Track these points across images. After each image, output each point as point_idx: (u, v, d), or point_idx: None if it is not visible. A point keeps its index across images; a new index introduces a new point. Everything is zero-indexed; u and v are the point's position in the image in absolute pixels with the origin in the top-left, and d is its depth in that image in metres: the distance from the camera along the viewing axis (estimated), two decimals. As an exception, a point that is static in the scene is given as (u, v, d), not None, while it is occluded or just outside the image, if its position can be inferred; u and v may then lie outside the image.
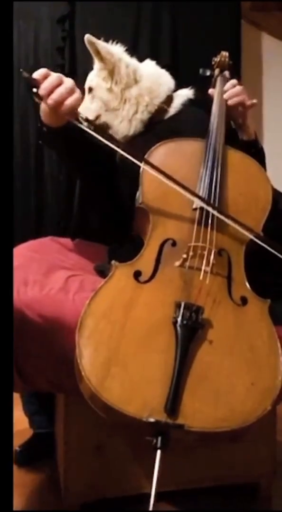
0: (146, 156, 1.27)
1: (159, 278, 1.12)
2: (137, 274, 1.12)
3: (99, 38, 1.52)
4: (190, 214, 1.20)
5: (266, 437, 1.42)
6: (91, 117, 1.51)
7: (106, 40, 1.56)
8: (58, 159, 2.38)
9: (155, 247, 1.17)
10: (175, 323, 1.02)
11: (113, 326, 1.03)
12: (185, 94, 1.58)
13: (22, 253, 1.39)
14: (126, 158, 1.49)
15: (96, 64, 1.54)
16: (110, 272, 1.12)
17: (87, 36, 1.48)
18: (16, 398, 1.63)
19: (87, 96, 1.55)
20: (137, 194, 1.29)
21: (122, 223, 1.50)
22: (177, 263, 1.13)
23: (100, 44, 1.50)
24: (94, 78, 1.55)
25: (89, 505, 1.34)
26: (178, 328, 1.01)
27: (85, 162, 1.53)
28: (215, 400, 0.98)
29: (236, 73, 2.83)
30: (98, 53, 1.50)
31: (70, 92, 1.17)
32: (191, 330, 1.02)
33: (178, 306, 1.04)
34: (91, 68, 1.59)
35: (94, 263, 1.50)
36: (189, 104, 1.56)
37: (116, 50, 1.53)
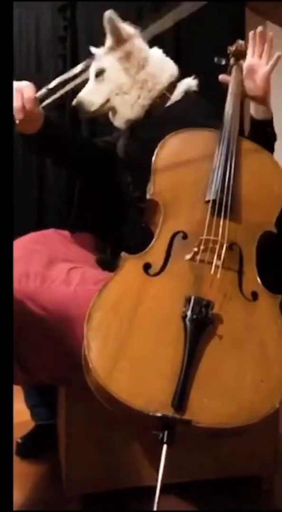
0: (158, 146, 1.25)
1: (168, 271, 1.10)
2: (147, 267, 1.11)
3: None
4: (202, 207, 1.18)
5: (268, 430, 1.41)
6: (100, 101, 1.49)
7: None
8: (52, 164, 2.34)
9: (165, 239, 1.15)
10: (184, 317, 1.01)
11: (122, 319, 1.02)
12: (188, 82, 1.54)
13: (24, 245, 1.38)
14: (132, 150, 1.48)
15: (110, 44, 1.48)
16: (119, 264, 1.11)
17: (109, 13, 1.43)
18: (18, 390, 1.62)
19: (94, 80, 1.50)
20: (149, 185, 1.28)
21: (121, 216, 1.49)
22: (188, 256, 1.11)
23: (121, 23, 1.45)
24: (107, 59, 1.49)
25: (91, 497, 1.34)
26: (187, 323, 1.00)
27: (75, 162, 1.54)
28: (223, 396, 0.97)
29: None
30: (116, 32, 1.45)
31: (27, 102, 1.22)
32: (201, 325, 1.00)
33: (188, 300, 1.03)
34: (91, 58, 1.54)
35: (96, 255, 1.50)
36: (191, 93, 1.54)
37: (133, 32, 1.49)
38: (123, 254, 1.12)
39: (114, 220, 1.58)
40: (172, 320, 1.02)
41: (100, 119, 1.60)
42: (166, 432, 0.93)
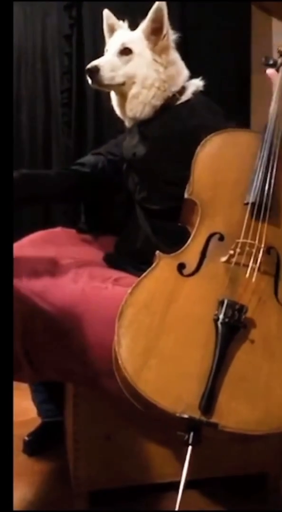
0: (199, 145, 1.24)
1: (203, 272, 1.10)
2: (181, 267, 1.10)
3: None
4: (241, 209, 1.16)
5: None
6: (119, 79, 1.42)
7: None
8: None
9: (201, 240, 1.14)
10: (216, 320, 1.00)
11: (153, 318, 1.02)
12: (196, 83, 1.51)
13: (32, 243, 1.40)
14: (139, 149, 1.43)
15: (146, 30, 1.43)
16: (154, 262, 1.11)
17: (162, 4, 1.39)
18: (25, 388, 1.65)
19: (117, 55, 1.43)
20: (187, 185, 1.27)
21: (128, 216, 1.49)
22: (223, 259, 1.10)
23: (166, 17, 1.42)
24: (138, 42, 1.43)
25: (98, 494, 1.35)
26: (219, 326, 0.99)
27: (61, 197, 1.58)
28: (252, 402, 0.96)
29: (246, 59, 2.74)
30: (160, 21, 1.41)
31: None
32: (232, 329, 0.99)
33: (221, 303, 1.02)
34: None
35: (103, 253, 1.50)
36: (198, 92, 1.50)
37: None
38: (158, 252, 1.12)
39: (121, 220, 1.57)
40: (203, 321, 1.02)
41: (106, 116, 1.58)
42: (191, 434, 0.92)
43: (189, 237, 1.17)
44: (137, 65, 1.43)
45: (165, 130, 1.41)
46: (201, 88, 1.52)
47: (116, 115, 1.55)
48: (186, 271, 1.10)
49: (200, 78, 1.53)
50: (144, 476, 1.35)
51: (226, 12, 2.68)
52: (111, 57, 1.43)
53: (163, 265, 1.10)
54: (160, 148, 1.40)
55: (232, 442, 1.08)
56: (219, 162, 1.24)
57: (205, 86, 1.52)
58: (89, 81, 1.41)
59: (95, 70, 1.39)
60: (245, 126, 1.36)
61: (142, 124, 1.46)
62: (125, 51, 1.43)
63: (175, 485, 1.18)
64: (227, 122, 1.42)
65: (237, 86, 2.74)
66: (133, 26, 1.50)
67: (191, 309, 1.04)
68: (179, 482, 1.29)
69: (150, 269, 1.10)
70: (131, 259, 1.41)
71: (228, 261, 1.09)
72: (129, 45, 1.43)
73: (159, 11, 1.40)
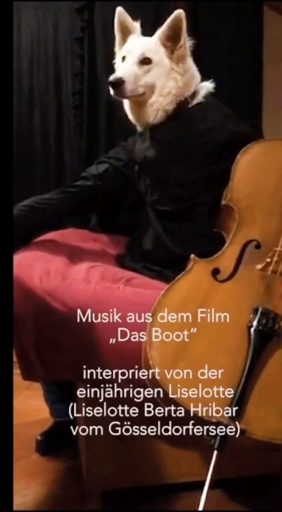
0: (240, 152, 1.24)
1: (237, 278, 1.10)
2: (215, 272, 1.10)
3: None
4: (279, 218, 1.16)
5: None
6: (140, 90, 1.40)
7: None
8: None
9: (238, 246, 1.14)
10: (249, 327, 1.00)
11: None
12: (207, 86, 1.49)
13: (44, 243, 1.41)
14: (150, 153, 1.42)
15: (162, 37, 1.41)
16: (188, 266, 1.11)
17: (181, 13, 1.38)
18: (37, 388, 1.65)
19: (138, 65, 1.40)
20: (225, 190, 1.27)
21: (140, 215, 1.49)
22: (259, 266, 1.10)
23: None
24: (156, 51, 1.41)
25: (111, 494, 1.34)
26: (252, 333, 0.99)
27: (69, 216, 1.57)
28: (281, 411, 0.95)
29: (257, 58, 2.69)
30: (179, 30, 1.39)
31: None
32: (266, 337, 0.99)
33: (255, 310, 1.02)
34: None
35: (115, 253, 1.49)
36: (208, 95, 1.48)
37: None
38: (192, 256, 1.13)
39: (131, 221, 1.57)
40: (236, 328, 1.02)
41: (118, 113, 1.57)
42: (218, 438, 0.92)
43: (223, 242, 1.18)
44: (157, 74, 1.41)
45: (176, 133, 1.40)
46: (211, 90, 1.49)
47: (127, 117, 1.53)
48: (221, 276, 1.10)
49: (211, 80, 1.51)
50: (157, 476, 1.34)
51: (238, 13, 2.65)
52: (132, 67, 1.40)
53: (197, 269, 1.11)
54: (170, 151, 1.40)
55: (257, 450, 1.07)
56: (259, 170, 1.24)
57: (216, 88, 1.50)
58: (111, 92, 1.39)
59: (120, 83, 1.37)
60: (257, 127, 1.33)
61: (153, 128, 1.45)
62: (145, 61, 1.40)
63: (188, 485, 1.17)
64: (238, 124, 1.41)
65: (249, 88, 2.72)
66: (144, 26, 1.49)
67: (224, 315, 1.04)
68: (192, 483, 1.29)
69: (183, 272, 1.11)
70: (143, 260, 1.41)
71: (264, 269, 1.09)
72: (149, 55, 1.40)
73: (177, 20, 1.39)
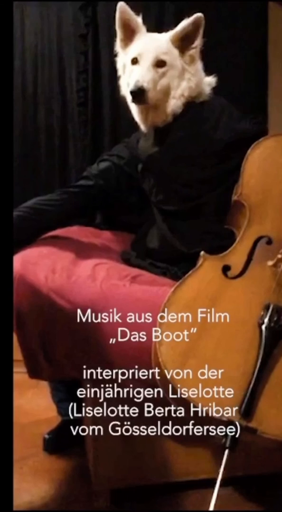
0: (250, 148, 1.22)
1: (248, 275, 1.08)
2: (226, 269, 1.09)
3: None
4: (291, 213, 1.14)
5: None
6: (158, 95, 1.36)
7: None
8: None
9: (249, 243, 1.13)
10: (261, 324, 0.99)
11: (195, 318, 1.01)
12: (210, 82, 1.46)
13: (50, 241, 1.40)
14: (155, 153, 1.40)
15: (175, 39, 1.37)
16: (198, 263, 1.10)
17: (202, 16, 1.35)
18: (44, 386, 1.65)
19: (154, 69, 1.36)
20: (236, 186, 1.25)
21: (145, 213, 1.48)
22: (270, 263, 1.08)
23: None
24: (170, 53, 1.37)
25: (119, 492, 1.33)
26: (264, 330, 0.98)
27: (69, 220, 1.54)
28: (293, 411, 0.94)
29: (262, 54, 2.66)
30: (196, 32, 1.37)
31: None
32: (277, 334, 0.98)
33: (267, 307, 1.00)
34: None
35: (121, 250, 1.49)
36: (213, 94, 1.46)
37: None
38: (203, 253, 1.11)
39: (136, 218, 1.57)
40: (247, 325, 1.00)
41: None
42: (229, 437, 0.91)
43: (232, 239, 1.16)
44: (172, 77, 1.38)
45: (181, 133, 1.38)
46: (214, 85, 1.46)
47: (132, 114, 1.49)
48: (231, 273, 1.09)
49: (213, 75, 1.47)
50: (164, 475, 1.33)
51: (242, 11, 2.62)
52: (149, 72, 1.35)
53: (207, 266, 1.09)
54: (175, 150, 1.39)
55: (268, 448, 1.05)
56: (270, 166, 1.22)
57: (221, 84, 1.47)
58: (130, 98, 1.35)
59: (142, 92, 1.32)
60: (262, 124, 1.30)
61: (158, 127, 1.43)
62: (160, 64, 1.36)
63: (196, 484, 1.15)
64: (243, 121, 1.40)
65: (254, 85, 2.69)
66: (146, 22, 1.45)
67: (235, 312, 1.02)
68: (199, 481, 1.28)
69: (193, 269, 1.10)
70: (148, 257, 1.41)
71: (275, 265, 1.07)
72: (163, 57, 1.36)
73: (197, 23, 1.36)
